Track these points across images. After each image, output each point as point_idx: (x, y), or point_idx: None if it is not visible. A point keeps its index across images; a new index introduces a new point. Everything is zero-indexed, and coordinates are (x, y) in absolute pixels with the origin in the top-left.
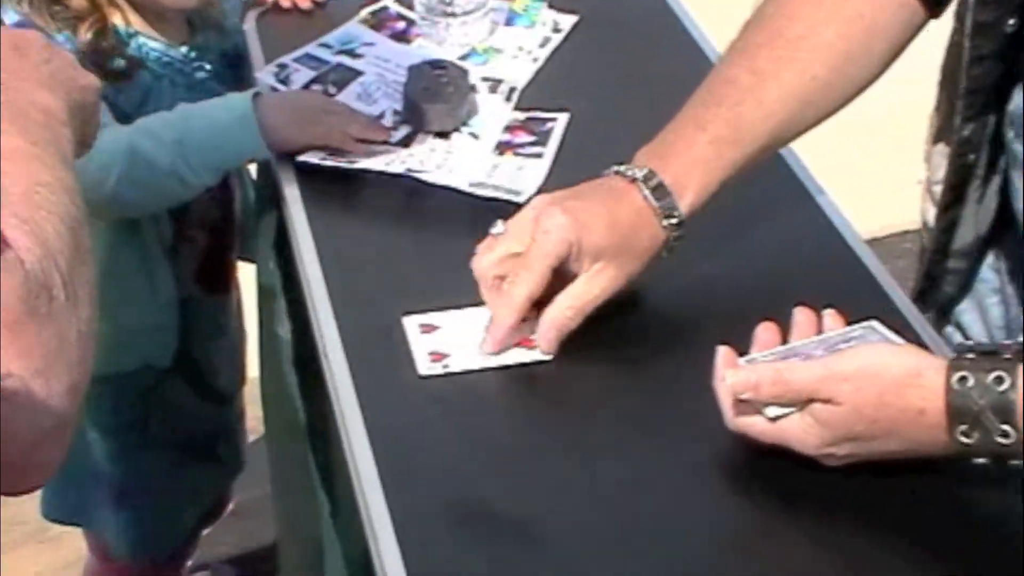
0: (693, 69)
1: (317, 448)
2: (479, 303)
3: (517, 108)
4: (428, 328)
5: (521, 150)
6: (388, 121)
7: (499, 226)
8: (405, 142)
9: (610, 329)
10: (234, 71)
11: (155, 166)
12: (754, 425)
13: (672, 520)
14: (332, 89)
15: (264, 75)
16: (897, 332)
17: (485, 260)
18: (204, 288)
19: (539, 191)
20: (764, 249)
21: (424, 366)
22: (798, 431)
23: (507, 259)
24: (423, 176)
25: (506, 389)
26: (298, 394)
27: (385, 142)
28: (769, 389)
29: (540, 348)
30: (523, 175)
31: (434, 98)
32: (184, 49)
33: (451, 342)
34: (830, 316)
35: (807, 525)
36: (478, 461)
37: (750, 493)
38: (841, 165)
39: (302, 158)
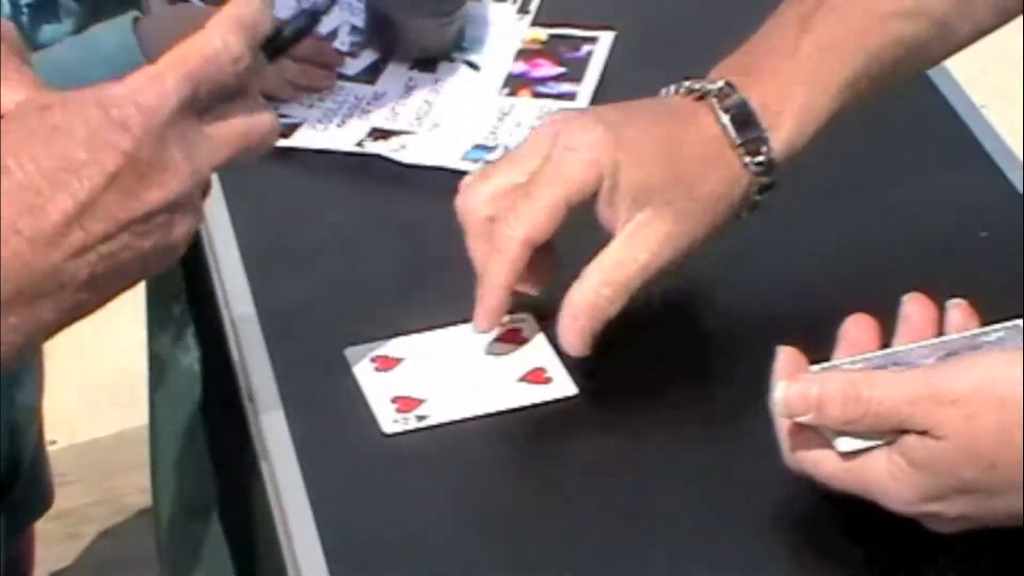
0: None
1: (234, 531)
2: (456, 321)
3: (536, 24)
4: (385, 362)
5: (544, 87)
6: (344, 44)
7: (501, 148)
8: (369, 77)
9: (662, 333)
10: None
11: None
12: (821, 464)
13: None
14: None
15: None
16: None
17: (476, 193)
18: None
19: None
20: (891, 220)
21: (388, 420)
22: (883, 475)
23: (509, 192)
24: (394, 151)
25: (510, 444)
26: (207, 452)
27: (342, 75)
28: (838, 410)
29: (565, 346)
30: None
31: (412, 9)
32: None
33: (423, 381)
34: (957, 309)
35: None
36: (477, 555)
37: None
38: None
39: None
